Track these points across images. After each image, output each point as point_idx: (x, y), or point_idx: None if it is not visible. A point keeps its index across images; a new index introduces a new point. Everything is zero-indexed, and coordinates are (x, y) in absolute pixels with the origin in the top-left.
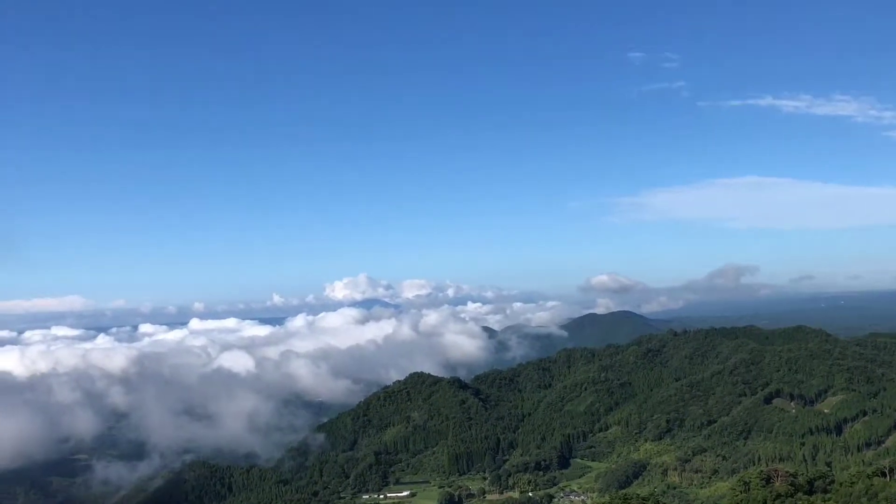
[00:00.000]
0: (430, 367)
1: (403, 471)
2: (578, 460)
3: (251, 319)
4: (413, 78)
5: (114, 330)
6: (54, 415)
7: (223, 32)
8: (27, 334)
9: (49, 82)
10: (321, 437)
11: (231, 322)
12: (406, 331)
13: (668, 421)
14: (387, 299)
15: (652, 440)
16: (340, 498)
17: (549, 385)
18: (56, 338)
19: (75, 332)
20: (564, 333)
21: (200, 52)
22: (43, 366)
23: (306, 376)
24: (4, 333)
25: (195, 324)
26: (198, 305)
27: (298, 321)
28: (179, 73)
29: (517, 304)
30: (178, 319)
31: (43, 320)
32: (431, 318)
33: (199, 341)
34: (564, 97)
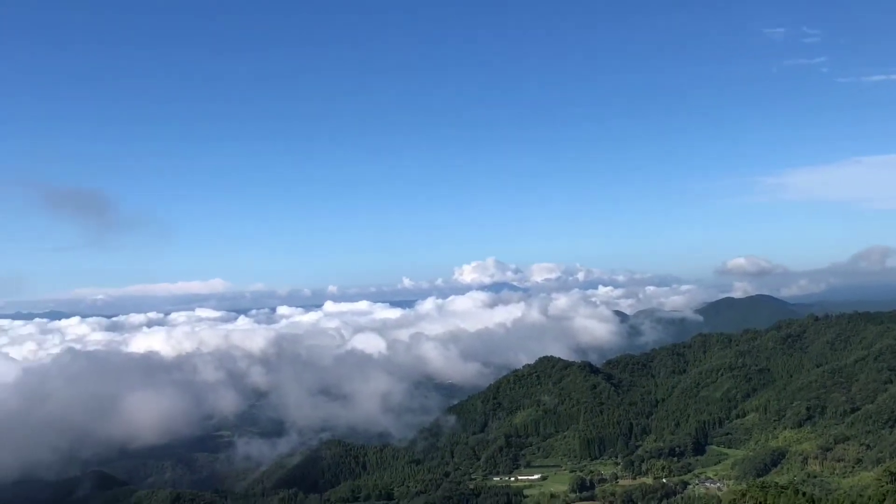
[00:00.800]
0: (559, 352)
1: (534, 454)
2: (714, 447)
3: (382, 302)
4: (541, 59)
5: (253, 312)
6: (199, 393)
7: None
8: (173, 315)
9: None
10: (452, 418)
11: (363, 305)
12: (535, 314)
13: (808, 408)
14: (515, 283)
15: (791, 428)
16: (472, 479)
17: (684, 370)
18: (200, 319)
19: (217, 314)
20: (699, 318)
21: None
22: (188, 346)
23: (436, 359)
24: (153, 315)
25: (329, 306)
26: (331, 288)
27: (428, 304)
28: (314, 67)
29: (650, 288)
30: (312, 302)
31: (188, 302)
32: (561, 301)
33: (333, 323)
34: (702, 75)
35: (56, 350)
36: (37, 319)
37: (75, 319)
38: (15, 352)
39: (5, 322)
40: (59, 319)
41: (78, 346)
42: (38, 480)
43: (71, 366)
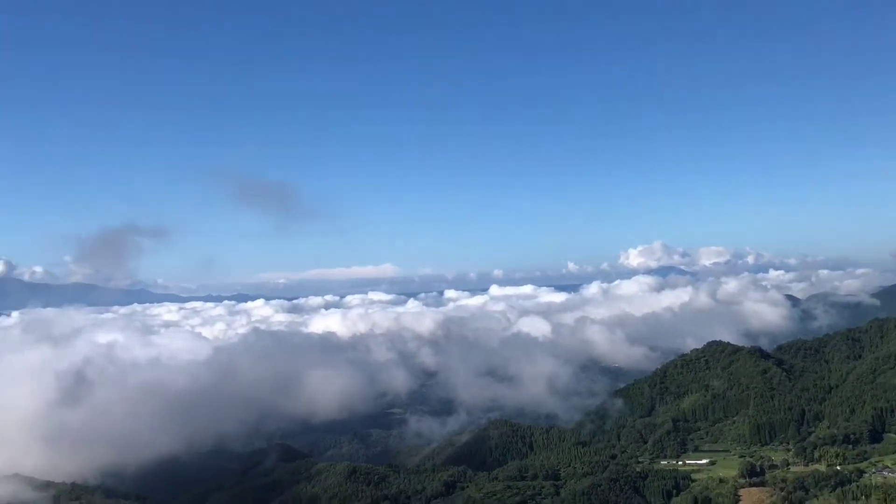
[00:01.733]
0: (728, 336)
1: (702, 439)
2: (892, 435)
3: (547, 287)
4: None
5: (422, 295)
6: (372, 372)
7: None
8: (348, 298)
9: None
10: (618, 402)
11: (528, 289)
12: (703, 299)
13: None
14: (683, 267)
15: None
16: (638, 462)
17: (859, 356)
18: (372, 302)
19: (389, 297)
20: (876, 302)
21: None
22: (362, 327)
23: (602, 342)
24: (329, 298)
25: (495, 290)
26: (497, 273)
27: (593, 288)
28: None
29: (823, 272)
30: (478, 286)
31: (361, 286)
32: (730, 285)
33: (498, 307)
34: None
35: (243, 330)
36: (225, 302)
37: (260, 302)
38: (206, 331)
39: (197, 304)
40: (245, 302)
41: (262, 327)
42: (228, 451)
43: (256, 345)
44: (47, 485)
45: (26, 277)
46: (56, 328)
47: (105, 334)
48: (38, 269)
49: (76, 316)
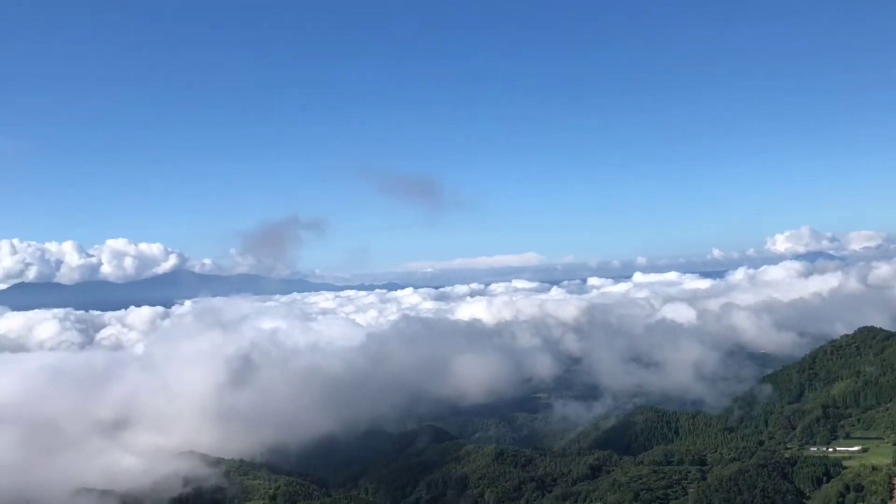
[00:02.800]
0: (880, 322)
1: (853, 426)
2: None
3: (691, 273)
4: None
5: (565, 283)
6: (517, 357)
7: None
8: (492, 286)
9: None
10: (766, 388)
11: (672, 275)
12: (853, 284)
13: None
14: (831, 252)
15: None
16: (787, 448)
17: None
18: (516, 290)
19: (532, 285)
20: None
21: None
22: (507, 314)
23: (748, 328)
24: (474, 286)
25: (638, 277)
26: (640, 260)
27: (739, 274)
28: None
29: None
30: (622, 273)
31: (505, 274)
32: (882, 270)
33: (642, 293)
34: None
35: (394, 317)
36: (377, 290)
37: (409, 290)
38: (360, 318)
39: (351, 292)
40: (396, 290)
41: (412, 314)
42: (382, 432)
43: (406, 331)
44: (218, 461)
45: (197, 269)
46: (224, 316)
47: (268, 321)
48: (208, 261)
49: (242, 304)
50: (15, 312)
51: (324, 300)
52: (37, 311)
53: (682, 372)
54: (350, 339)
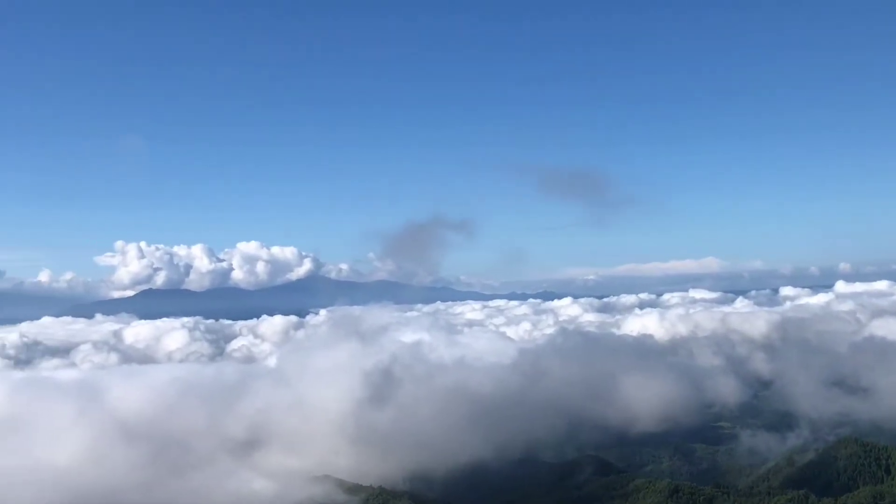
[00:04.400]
0: None
1: None
2: None
3: None
4: None
5: (752, 293)
6: (696, 380)
7: None
8: (665, 296)
9: None
10: None
11: (882, 285)
12: None
13: None
14: None
15: None
16: None
17: None
18: (694, 300)
19: (713, 295)
20: None
21: None
22: (682, 329)
23: None
24: (644, 296)
25: (841, 287)
26: (843, 266)
27: None
28: None
29: None
30: (821, 282)
31: (680, 282)
32: None
33: (846, 306)
34: None
35: (550, 330)
36: (530, 300)
37: (567, 300)
38: (511, 331)
39: (501, 302)
40: (552, 300)
41: (570, 327)
42: (537, 460)
43: (564, 346)
44: (357, 488)
45: (333, 275)
46: (362, 326)
47: (410, 333)
48: (344, 266)
49: (381, 314)
50: (142, 321)
51: (470, 310)
52: (165, 319)
53: None
54: (500, 355)
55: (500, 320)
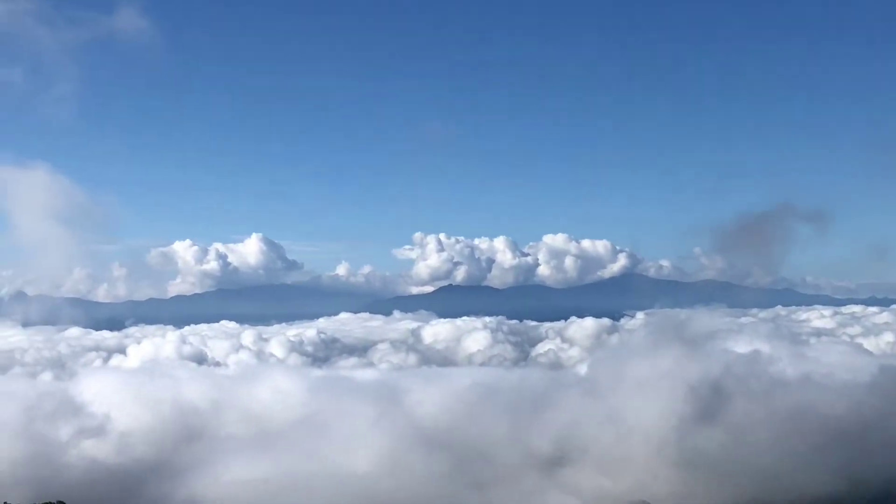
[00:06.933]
0: None
1: None
2: None
3: None
4: None
5: None
6: None
7: None
8: None
9: None
10: None
11: None
12: None
13: None
14: None
15: None
16: None
17: None
18: None
19: None
20: None
21: None
22: None
23: None
24: None
25: None
26: None
27: None
28: None
29: None
30: None
31: None
32: None
33: None
34: None
35: None
36: (893, 306)
37: None
38: (870, 343)
39: (857, 308)
40: None
41: None
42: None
43: None
44: None
45: (651, 273)
46: (687, 331)
47: (744, 342)
48: (666, 263)
49: (710, 318)
50: (442, 320)
51: (819, 317)
52: (465, 318)
53: None
54: (856, 371)
55: (855, 330)
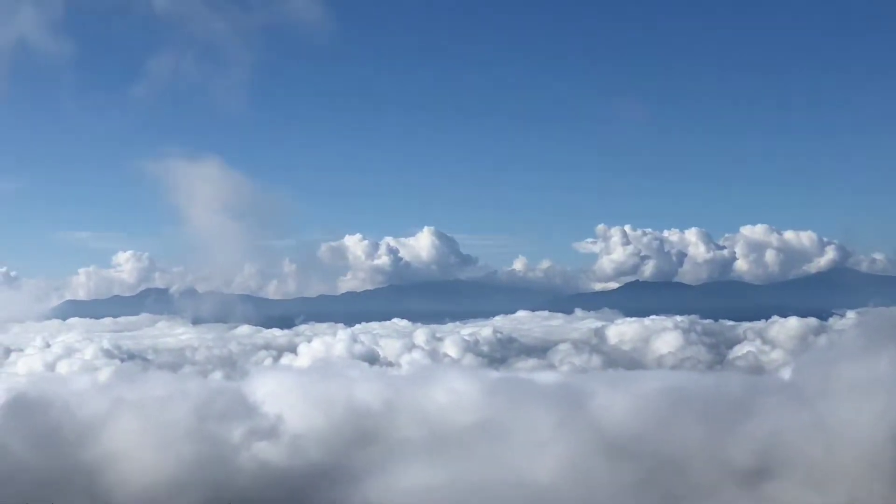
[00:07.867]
0: None
1: None
2: None
3: None
4: None
5: None
6: None
7: None
8: None
9: None
10: None
11: None
12: None
13: None
14: None
15: None
16: None
17: None
18: None
19: None
20: None
21: None
22: None
23: None
24: None
25: None
26: None
27: None
28: None
29: None
30: None
31: None
32: None
33: None
34: None
35: None
36: None
37: None
38: None
39: None
40: None
41: None
42: None
43: None
44: None
45: (864, 267)
46: None
47: None
48: (880, 256)
49: None
50: (628, 318)
51: None
52: (654, 317)
53: None
54: None
55: None
